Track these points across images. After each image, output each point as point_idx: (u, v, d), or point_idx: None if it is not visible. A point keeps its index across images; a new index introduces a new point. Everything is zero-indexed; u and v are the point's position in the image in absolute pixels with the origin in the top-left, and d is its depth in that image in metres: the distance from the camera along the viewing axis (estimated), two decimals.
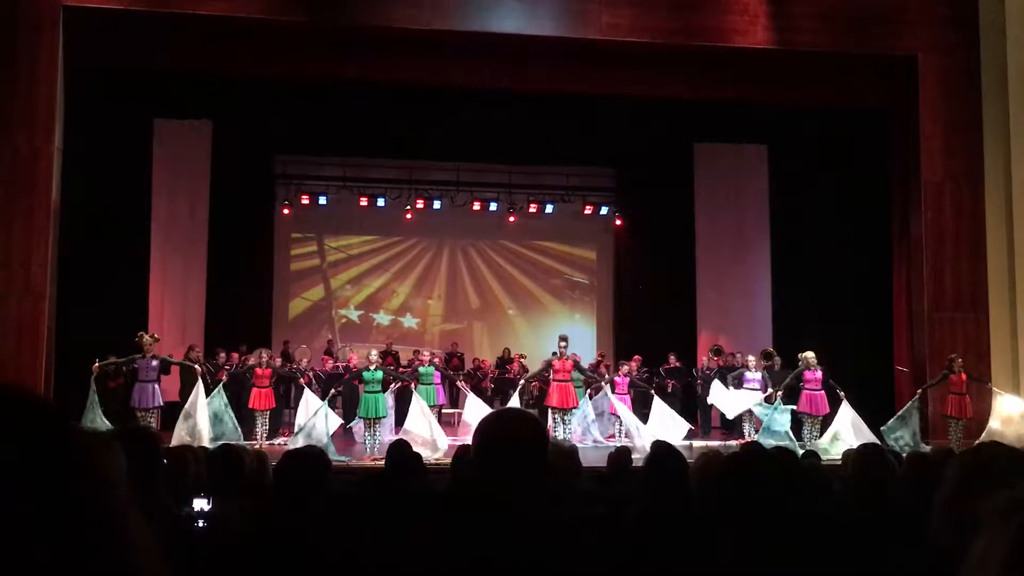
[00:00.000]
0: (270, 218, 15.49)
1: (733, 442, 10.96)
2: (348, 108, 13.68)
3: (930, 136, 11.61)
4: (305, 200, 15.45)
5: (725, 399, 11.72)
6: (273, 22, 10.78)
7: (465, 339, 16.31)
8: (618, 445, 7.12)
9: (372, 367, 10.58)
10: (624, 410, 11.27)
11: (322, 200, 15.48)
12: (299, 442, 9.10)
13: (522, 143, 14.60)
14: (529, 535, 1.56)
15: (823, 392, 10.92)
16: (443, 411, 12.83)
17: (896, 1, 11.49)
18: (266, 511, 2.94)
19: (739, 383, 11.90)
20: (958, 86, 11.57)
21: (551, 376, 11.04)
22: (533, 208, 15.98)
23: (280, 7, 10.80)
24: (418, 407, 10.36)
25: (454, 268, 16.74)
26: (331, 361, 13.78)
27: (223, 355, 12.67)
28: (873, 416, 10.68)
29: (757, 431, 11.00)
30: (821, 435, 10.81)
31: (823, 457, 7.87)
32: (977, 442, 8.24)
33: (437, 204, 15.77)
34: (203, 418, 10.04)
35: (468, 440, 2.06)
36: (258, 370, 10.91)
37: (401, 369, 13.01)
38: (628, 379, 12.00)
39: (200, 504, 3.05)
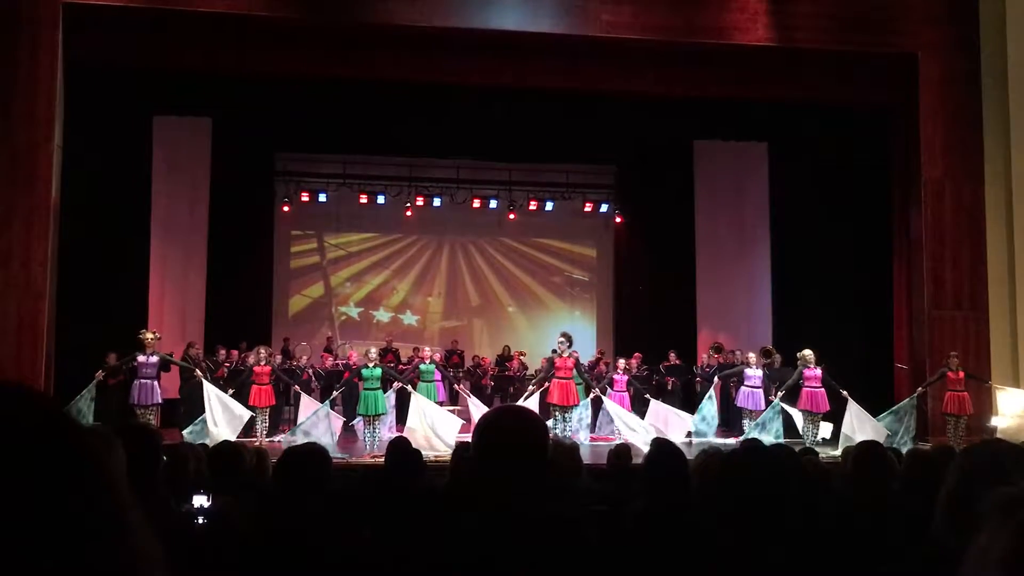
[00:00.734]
0: (270, 215, 15.49)
1: (732, 440, 10.97)
2: (348, 105, 13.67)
3: (930, 135, 11.60)
4: (305, 197, 15.45)
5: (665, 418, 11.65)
6: (273, 19, 10.77)
7: (465, 336, 16.31)
8: (617, 443, 7.11)
9: (371, 364, 10.60)
10: (616, 409, 11.22)
11: (322, 197, 15.48)
12: (298, 439, 9.11)
13: (522, 140, 14.59)
14: (529, 533, 1.56)
15: (823, 390, 10.92)
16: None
17: (896, 0, 11.49)
18: (266, 508, 2.94)
19: (739, 381, 11.92)
20: (958, 85, 11.57)
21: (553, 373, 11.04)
22: (533, 205, 15.98)
23: (280, 4, 10.78)
24: (417, 406, 10.36)
25: (454, 265, 16.75)
26: (331, 358, 13.78)
27: (223, 352, 12.68)
28: (873, 415, 10.69)
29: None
30: (819, 432, 10.84)
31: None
32: (982, 439, 8.25)
33: (437, 201, 15.77)
34: (220, 415, 10.10)
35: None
36: (258, 368, 10.91)
37: (401, 366, 13.00)
38: (627, 376, 12.01)
39: (200, 501, 3.05)
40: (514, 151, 15.15)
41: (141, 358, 10.28)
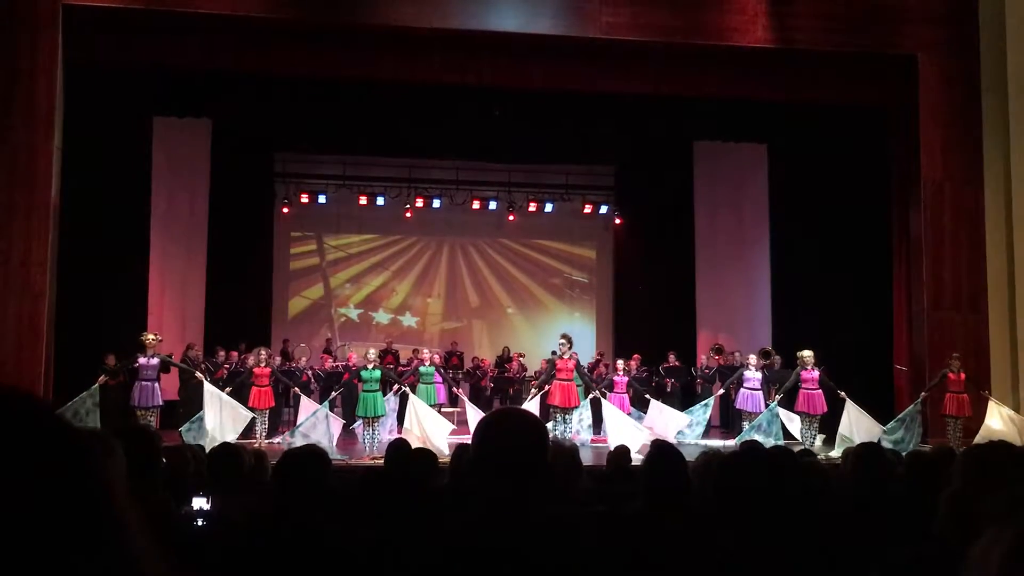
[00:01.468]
0: (269, 216, 15.49)
1: (731, 441, 10.96)
2: (348, 106, 13.68)
3: (930, 136, 11.60)
4: (304, 198, 15.45)
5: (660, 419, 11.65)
6: (272, 20, 10.76)
7: (464, 338, 16.31)
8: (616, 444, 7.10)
9: (371, 366, 10.59)
10: (610, 413, 11.15)
11: (321, 198, 15.48)
12: (297, 441, 9.10)
13: (522, 141, 14.60)
14: (529, 535, 1.56)
15: (820, 391, 10.92)
16: (443, 411, 12.80)
17: (896, 1, 11.49)
18: (265, 510, 2.94)
19: (739, 382, 11.91)
20: (958, 86, 11.56)
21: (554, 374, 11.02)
22: (533, 207, 15.98)
23: (280, 5, 10.77)
24: (414, 410, 10.34)
25: (453, 267, 16.75)
26: (330, 360, 13.77)
27: (222, 354, 12.66)
28: (872, 415, 10.68)
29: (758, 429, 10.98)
30: (818, 433, 10.82)
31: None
32: (976, 441, 8.25)
33: (437, 203, 15.77)
34: (222, 415, 10.08)
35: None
36: (257, 369, 10.91)
37: (400, 368, 12.99)
38: (627, 378, 12.00)
39: (199, 503, 3.05)
40: (514, 152, 15.16)
41: (142, 360, 10.27)
